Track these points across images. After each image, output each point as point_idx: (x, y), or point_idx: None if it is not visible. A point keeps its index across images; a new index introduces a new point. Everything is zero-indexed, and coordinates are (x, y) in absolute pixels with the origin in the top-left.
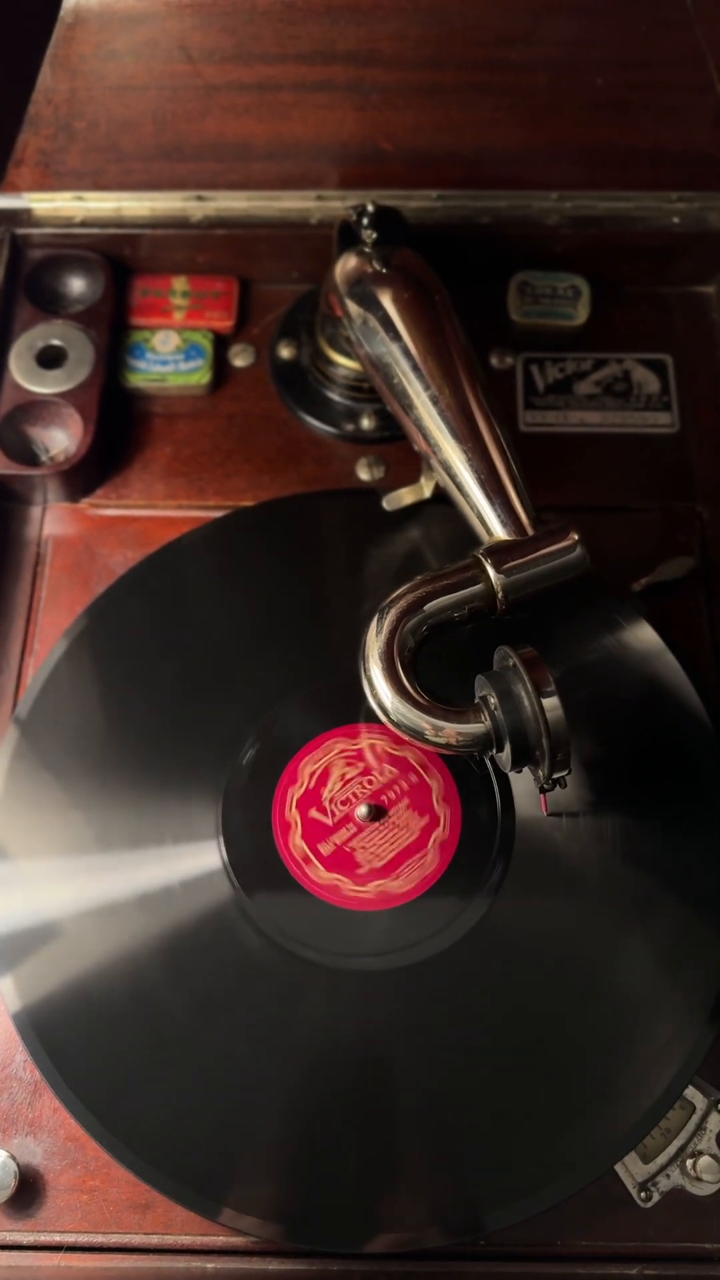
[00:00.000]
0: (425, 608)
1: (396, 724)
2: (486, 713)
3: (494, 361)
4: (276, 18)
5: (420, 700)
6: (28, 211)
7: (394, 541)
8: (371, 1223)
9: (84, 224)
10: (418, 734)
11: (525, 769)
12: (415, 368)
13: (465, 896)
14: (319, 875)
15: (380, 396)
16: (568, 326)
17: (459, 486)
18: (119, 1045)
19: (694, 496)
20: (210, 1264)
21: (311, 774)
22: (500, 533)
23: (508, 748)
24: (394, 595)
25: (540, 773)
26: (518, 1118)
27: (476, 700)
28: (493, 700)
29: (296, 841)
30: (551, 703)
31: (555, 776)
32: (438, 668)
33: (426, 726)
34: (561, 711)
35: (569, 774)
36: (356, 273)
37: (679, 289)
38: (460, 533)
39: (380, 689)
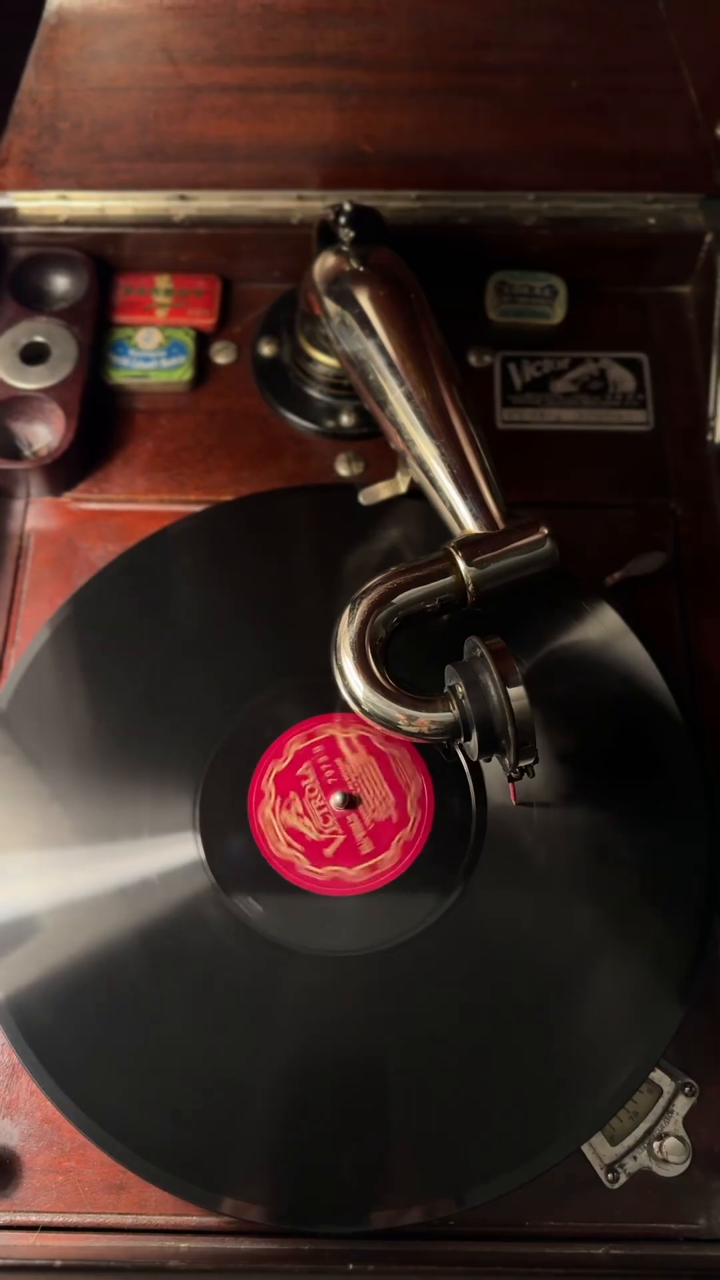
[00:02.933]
0: (396, 599)
1: (368, 714)
2: (454, 702)
3: (472, 360)
4: (257, 20)
5: (391, 690)
6: (13, 210)
7: (371, 536)
8: (343, 1203)
9: (68, 223)
10: (390, 723)
11: (493, 758)
12: (390, 364)
13: (438, 883)
14: (294, 863)
15: (358, 393)
16: (545, 325)
17: (432, 481)
18: (95, 1029)
19: (668, 493)
20: (184, 1243)
21: (287, 764)
22: (472, 526)
23: (475, 736)
24: (365, 587)
25: (507, 761)
26: (486, 1100)
27: (446, 690)
28: (460, 690)
29: (273, 831)
30: (517, 692)
31: (522, 765)
32: (419, 657)
33: (399, 716)
34: (527, 701)
35: (536, 763)
36: (334, 271)
37: (655, 289)
38: (437, 527)
39: (352, 679)
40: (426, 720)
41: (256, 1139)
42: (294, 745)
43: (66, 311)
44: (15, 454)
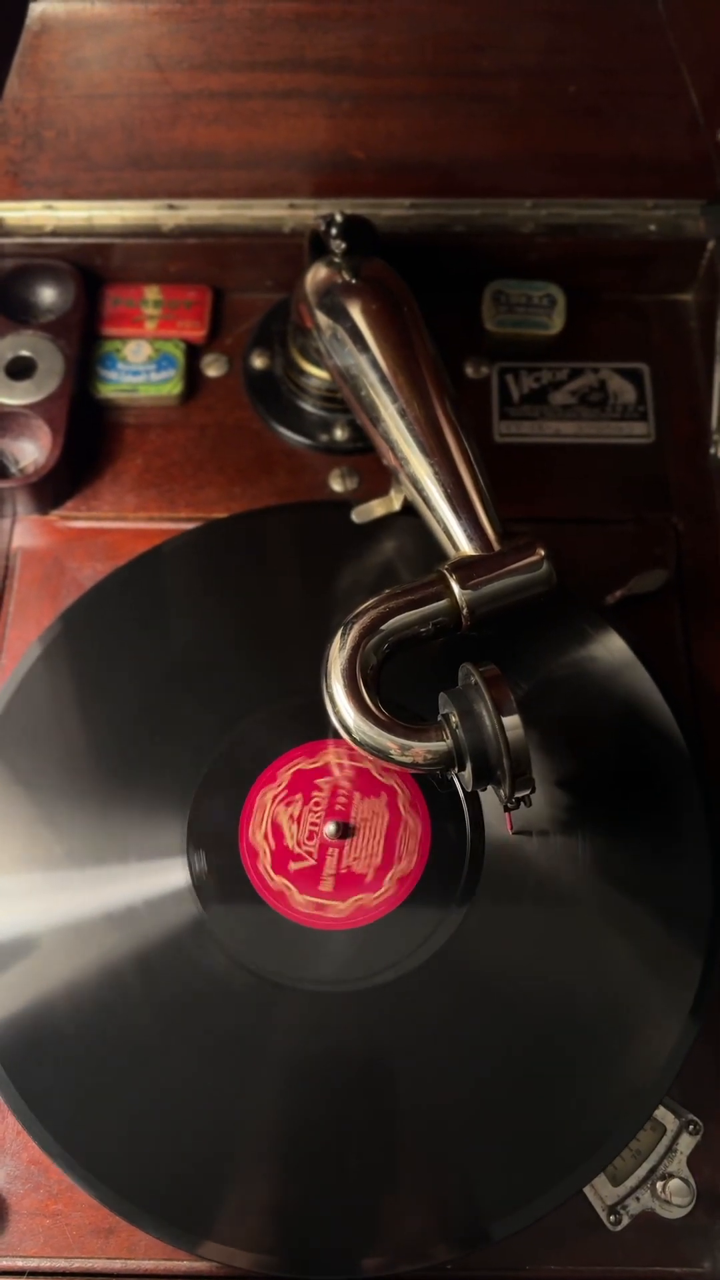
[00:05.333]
0: (389, 624)
1: (359, 742)
2: (448, 731)
3: (469, 371)
4: (245, 25)
5: (383, 719)
6: None
7: (366, 554)
8: (337, 1249)
9: (55, 233)
10: (382, 753)
11: (489, 788)
12: (383, 380)
13: (433, 915)
14: (286, 894)
15: (350, 409)
16: (543, 336)
17: (426, 500)
18: (83, 1068)
19: (669, 507)
20: None
21: (279, 790)
22: (466, 548)
23: (469, 767)
24: (357, 611)
25: (502, 792)
26: (484, 1143)
27: (439, 718)
28: (454, 719)
29: (263, 859)
30: (512, 721)
31: (518, 795)
32: (414, 681)
33: (392, 746)
34: (522, 730)
35: (532, 793)
36: (326, 283)
37: (656, 297)
38: (433, 545)
39: (342, 706)
40: (420, 750)
41: (248, 1182)
42: (287, 770)
43: (53, 324)
44: (1, 471)
